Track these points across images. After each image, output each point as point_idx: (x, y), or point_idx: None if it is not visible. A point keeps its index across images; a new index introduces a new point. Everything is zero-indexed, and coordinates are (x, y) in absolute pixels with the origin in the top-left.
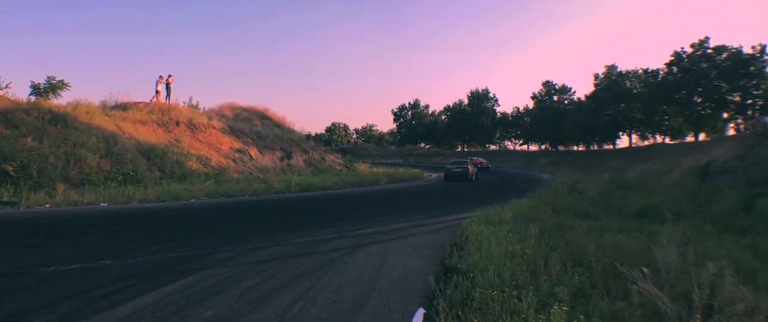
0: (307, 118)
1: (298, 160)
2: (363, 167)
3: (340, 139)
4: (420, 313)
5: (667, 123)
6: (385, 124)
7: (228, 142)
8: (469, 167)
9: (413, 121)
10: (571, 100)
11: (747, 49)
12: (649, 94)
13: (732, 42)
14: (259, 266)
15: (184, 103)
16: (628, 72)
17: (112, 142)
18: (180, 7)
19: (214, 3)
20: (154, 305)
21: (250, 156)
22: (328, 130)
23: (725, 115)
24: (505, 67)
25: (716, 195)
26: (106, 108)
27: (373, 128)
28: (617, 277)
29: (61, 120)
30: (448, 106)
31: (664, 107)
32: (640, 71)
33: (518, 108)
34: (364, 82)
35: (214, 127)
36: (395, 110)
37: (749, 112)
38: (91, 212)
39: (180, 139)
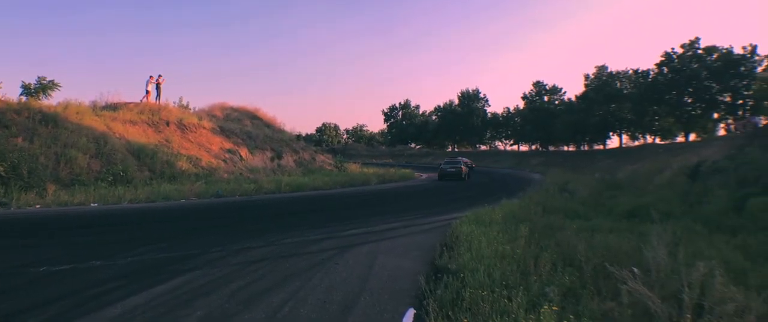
0: (298, 119)
1: (288, 160)
2: (353, 167)
3: (330, 139)
4: (410, 313)
5: (657, 123)
6: (376, 124)
7: (218, 143)
8: (462, 167)
9: (404, 122)
10: (562, 100)
11: (737, 50)
12: (640, 95)
13: (722, 43)
14: (250, 267)
15: (174, 103)
16: (618, 72)
17: (102, 143)
18: (170, 7)
19: (203, 3)
20: (145, 306)
21: (241, 156)
22: (319, 130)
23: (716, 115)
24: (496, 68)
25: (707, 195)
26: (96, 108)
27: (364, 128)
28: (607, 277)
29: (51, 120)
30: (439, 106)
31: (655, 108)
32: (631, 72)
33: (509, 108)
34: (354, 83)
35: (204, 128)
36: (386, 110)
37: (740, 113)
38: (82, 213)
39: (170, 140)
